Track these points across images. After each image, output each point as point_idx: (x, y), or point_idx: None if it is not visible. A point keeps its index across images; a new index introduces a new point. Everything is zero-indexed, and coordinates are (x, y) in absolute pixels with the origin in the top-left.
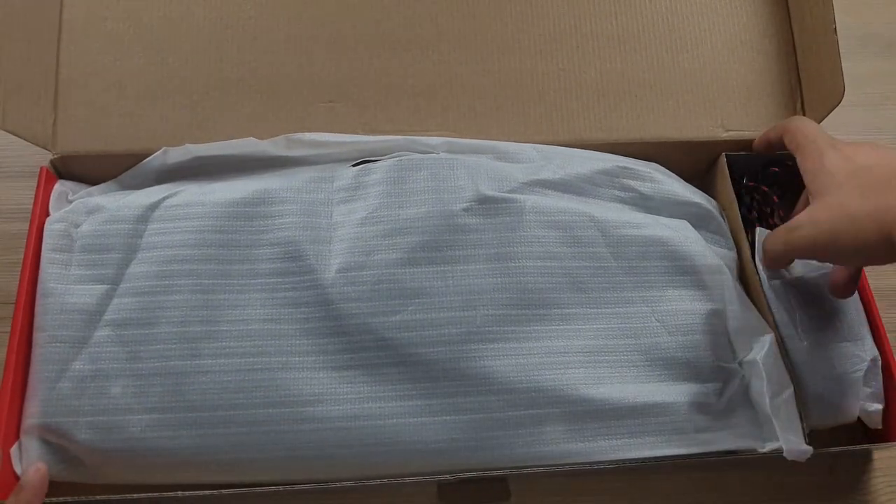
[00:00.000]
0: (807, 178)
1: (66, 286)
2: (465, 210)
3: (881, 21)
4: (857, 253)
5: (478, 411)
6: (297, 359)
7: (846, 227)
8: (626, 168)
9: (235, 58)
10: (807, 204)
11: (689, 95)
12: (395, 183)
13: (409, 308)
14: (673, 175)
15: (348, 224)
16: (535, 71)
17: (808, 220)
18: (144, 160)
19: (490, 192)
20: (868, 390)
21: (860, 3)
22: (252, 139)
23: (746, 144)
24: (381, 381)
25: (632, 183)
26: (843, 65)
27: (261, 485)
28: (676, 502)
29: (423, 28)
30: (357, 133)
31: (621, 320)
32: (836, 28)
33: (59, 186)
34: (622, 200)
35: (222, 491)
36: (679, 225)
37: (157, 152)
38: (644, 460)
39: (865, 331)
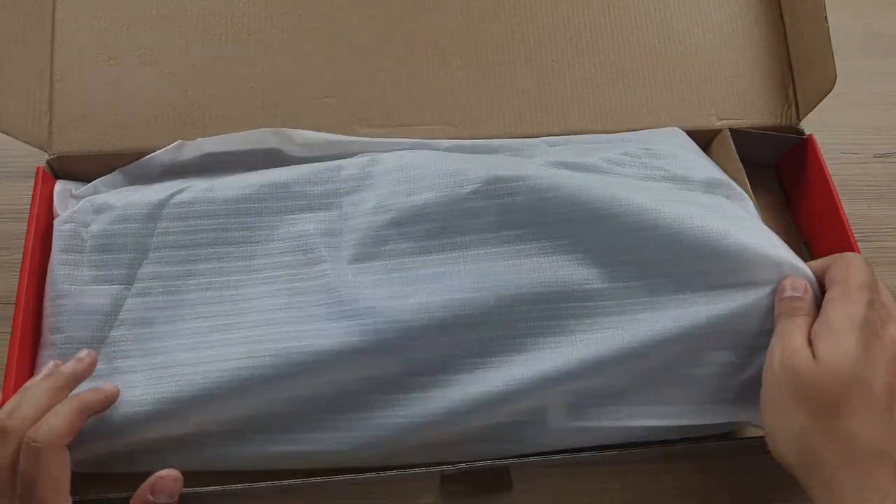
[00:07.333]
0: (821, 328)
1: (79, 287)
2: (475, 193)
3: (882, 21)
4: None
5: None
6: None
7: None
8: (648, 149)
9: (230, 54)
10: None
11: (682, 85)
12: (403, 170)
13: (423, 291)
14: (695, 148)
15: (358, 214)
16: (528, 63)
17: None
18: (152, 154)
19: (502, 173)
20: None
21: (861, 3)
22: (262, 130)
23: (739, 133)
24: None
25: (655, 162)
26: (844, 64)
27: (284, 473)
28: (683, 499)
29: (417, 22)
30: (352, 128)
31: (644, 294)
32: (826, 16)
33: (60, 185)
34: (648, 178)
35: (216, 488)
36: (710, 201)
37: (170, 146)
38: (649, 446)
39: None
